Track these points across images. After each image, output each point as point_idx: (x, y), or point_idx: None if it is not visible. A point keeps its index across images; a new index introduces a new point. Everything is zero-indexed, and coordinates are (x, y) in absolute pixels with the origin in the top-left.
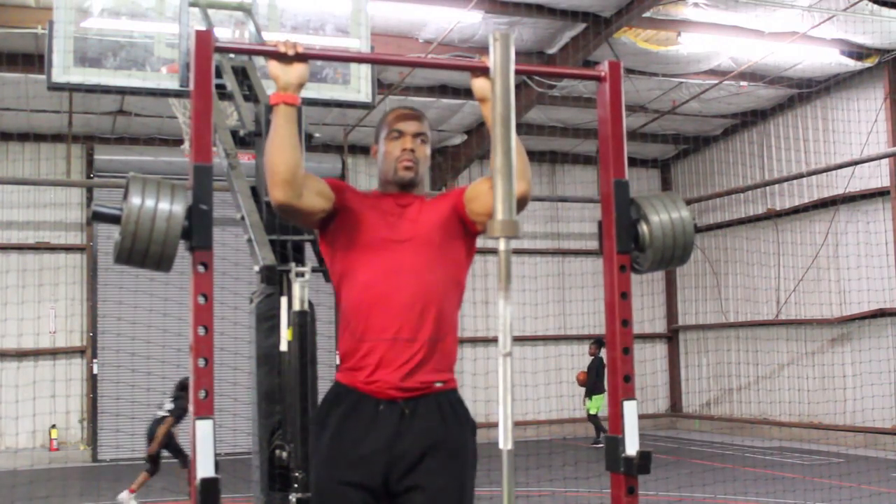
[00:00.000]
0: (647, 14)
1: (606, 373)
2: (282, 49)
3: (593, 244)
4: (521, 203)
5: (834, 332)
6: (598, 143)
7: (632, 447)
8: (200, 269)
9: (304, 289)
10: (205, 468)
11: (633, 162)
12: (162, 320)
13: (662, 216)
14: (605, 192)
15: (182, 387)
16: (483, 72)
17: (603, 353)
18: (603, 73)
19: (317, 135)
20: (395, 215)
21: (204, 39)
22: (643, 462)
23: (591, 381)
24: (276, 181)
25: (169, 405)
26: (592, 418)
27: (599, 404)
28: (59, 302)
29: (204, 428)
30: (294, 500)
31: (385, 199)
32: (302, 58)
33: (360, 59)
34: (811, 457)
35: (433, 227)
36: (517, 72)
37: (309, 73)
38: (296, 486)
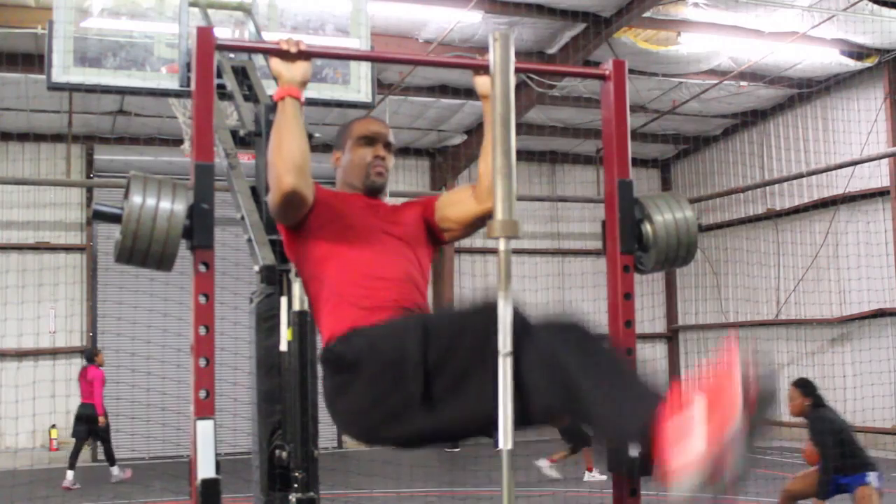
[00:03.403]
0: (647, 14)
1: None
2: (284, 47)
3: (594, 244)
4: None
5: (834, 332)
6: (602, 142)
7: (634, 449)
8: (202, 268)
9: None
10: (205, 469)
11: (633, 162)
12: (162, 320)
13: (666, 216)
14: (609, 191)
15: None
16: (485, 69)
17: None
18: (607, 72)
19: (317, 135)
20: (370, 210)
21: (205, 37)
22: (646, 463)
23: None
24: (288, 167)
25: None
26: None
27: None
28: (59, 302)
29: (205, 428)
30: (294, 500)
31: (353, 197)
32: (305, 55)
33: (361, 57)
34: None
35: (409, 224)
36: (519, 70)
37: (312, 71)
38: (296, 486)
